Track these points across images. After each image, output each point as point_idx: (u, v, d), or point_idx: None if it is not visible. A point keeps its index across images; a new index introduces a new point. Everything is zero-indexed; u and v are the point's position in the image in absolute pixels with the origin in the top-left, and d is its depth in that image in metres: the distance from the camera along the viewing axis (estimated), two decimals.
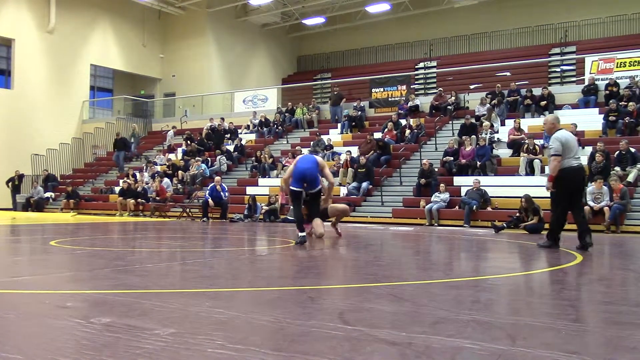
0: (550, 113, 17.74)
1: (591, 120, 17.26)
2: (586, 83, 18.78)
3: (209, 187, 17.77)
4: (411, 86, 23.35)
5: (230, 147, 21.93)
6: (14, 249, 8.04)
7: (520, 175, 15.50)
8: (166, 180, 20.10)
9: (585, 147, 15.93)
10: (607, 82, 18.10)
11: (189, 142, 22.81)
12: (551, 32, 28.34)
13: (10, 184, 23.27)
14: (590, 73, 19.03)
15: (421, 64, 29.59)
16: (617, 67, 18.62)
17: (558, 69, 25.92)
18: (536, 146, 15.82)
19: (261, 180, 19.35)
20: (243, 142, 22.41)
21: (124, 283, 4.33)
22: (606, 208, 12.93)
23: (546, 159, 15.38)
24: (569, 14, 27.87)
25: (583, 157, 14.91)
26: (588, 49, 24.46)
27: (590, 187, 13.46)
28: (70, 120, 27.06)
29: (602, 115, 16.93)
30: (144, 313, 3.14)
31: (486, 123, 17.82)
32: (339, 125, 21.78)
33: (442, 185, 15.40)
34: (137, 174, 21.36)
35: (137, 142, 25.99)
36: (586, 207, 13.15)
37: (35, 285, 4.22)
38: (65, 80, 26.76)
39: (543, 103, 18.34)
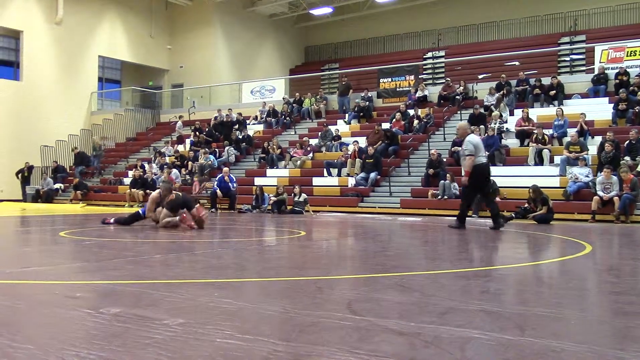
0: (560, 103, 17.76)
1: (601, 109, 17.14)
2: (596, 72, 18.62)
3: (217, 178, 17.81)
4: (419, 76, 23.24)
5: (240, 137, 21.94)
6: (24, 240, 8.09)
7: (529, 165, 15.44)
8: (175, 171, 20.15)
9: (595, 136, 15.86)
10: (617, 71, 17.93)
11: (197, 133, 22.83)
12: (560, 21, 28.11)
13: (19, 175, 23.41)
14: (600, 62, 18.85)
15: (429, 54, 29.45)
16: (627, 56, 18.44)
17: (567, 58, 25.72)
18: (545, 136, 15.74)
19: (269, 171, 19.38)
20: (250, 133, 22.44)
21: (133, 273, 4.35)
22: (616, 198, 12.86)
23: (559, 148, 15.51)
24: (578, 3, 27.64)
25: (592, 147, 15.02)
26: (598, 38, 24.26)
27: (600, 177, 13.39)
28: (78, 111, 27.15)
29: (612, 105, 16.80)
30: (153, 303, 3.15)
31: (495, 113, 17.75)
32: (347, 115, 21.73)
33: (448, 174, 15.37)
34: (146, 165, 21.43)
35: (100, 157, 25.20)
36: (595, 197, 13.12)
37: (45, 275, 4.24)
38: (73, 72, 26.83)
39: (552, 92, 18.22)
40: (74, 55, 26.75)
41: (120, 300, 3.23)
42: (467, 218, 10.09)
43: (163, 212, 9.48)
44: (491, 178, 10.74)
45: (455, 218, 9.98)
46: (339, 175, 17.76)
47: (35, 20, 25.30)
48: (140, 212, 9.89)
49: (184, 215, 9.28)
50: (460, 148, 16.60)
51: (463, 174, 9.75)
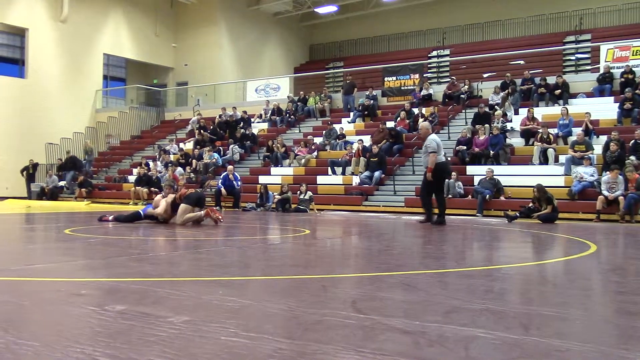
0: (565, 102, 17.74)
1: (606, 109, 17.09)
2: (601, 71, 18.56)
3: (221, 176, 17.83)
4: (424, 75, 23.19)
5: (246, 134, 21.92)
6: (28, 237, 8.12)
7: (534, 165, 15.40)
8: (179, 169, 20.18)
9: (600, 136, 15.81)
10: (622, 70, 17.88)
11: (201, 131, 22.85)
12: (566, 19, 28.03)
13: (24, 172, 23.47)
14: (606, 61, 18.80)
15: (434, 53, 29.41)
16: (632, 55, 18.38)
17: (573, 57, 25.63)
18: (550, 135, 15.70)
19: (273, 170, 19.39)
20: (255, 132, 22.44)
21: (138, 271, 4.36)
22: (621, 197, 12.83)
23: (564, 147, 15.47)
24: (583, 2, 27.58)
25: (597, 146, 14.99)
26: (603, 37, 24.20)
27: (605, 177, 13.35)
28: (83, 109, 27.22)
29: (618, 104, 16.75)
30: (158, 301, 3.15)
31: (499, 112, 17.72)
32: (351, 114, 21.72)
33: (453, 173, 15.29)
34: (151, 163, 21.46)
35: (91, 161, 25.07)
36: (600, 197, 13.09)
37: (50, 273, 4.25)
38: (78, 70, 26.89)
39: (557, 92, 18.16)
40: (79, 53, 26.81)
41: (125, 298, 3.24)
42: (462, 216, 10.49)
43: (182, 207, 9.40)
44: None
45: (437, 217, 10.58)
46: (343, 173, 17.76)
47: (41, 18, 25.36)
48: (141, 212, 9.85)
49: (210, 208, 9.32)
50: (464, 147, 16.76)
51: (426, 169, 10.50)
